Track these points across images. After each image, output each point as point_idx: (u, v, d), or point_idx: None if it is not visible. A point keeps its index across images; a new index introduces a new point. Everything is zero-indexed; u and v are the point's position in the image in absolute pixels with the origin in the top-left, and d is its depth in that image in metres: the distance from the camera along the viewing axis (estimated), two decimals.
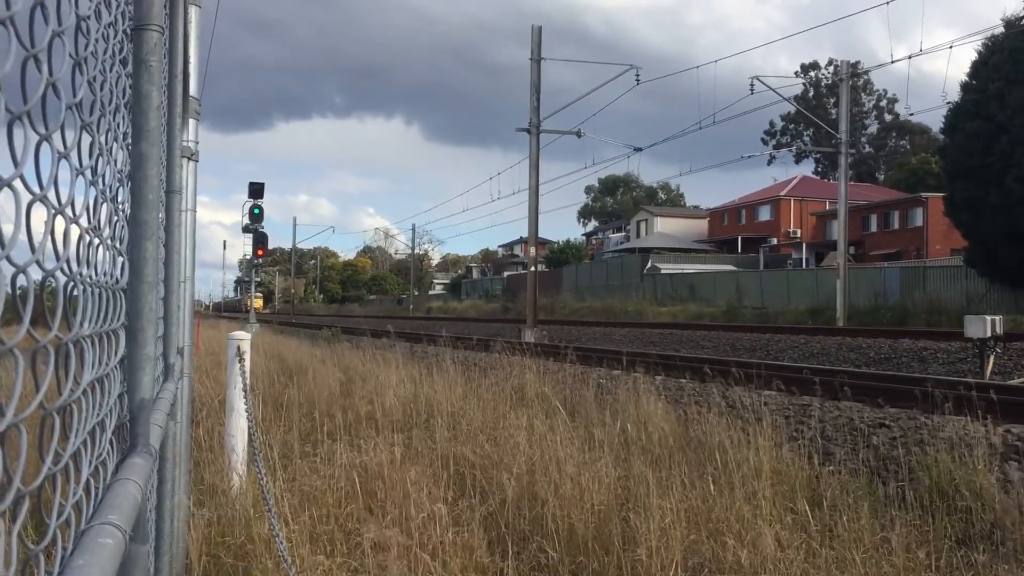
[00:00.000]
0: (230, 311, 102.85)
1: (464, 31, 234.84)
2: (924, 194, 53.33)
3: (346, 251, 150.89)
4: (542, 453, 6.37)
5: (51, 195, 1.18)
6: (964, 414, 7.67)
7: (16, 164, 1.00)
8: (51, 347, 1.20)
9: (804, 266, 55.00)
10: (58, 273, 1.26)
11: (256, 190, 29.19)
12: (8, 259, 0.95)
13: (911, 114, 38.88)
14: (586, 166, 47.26)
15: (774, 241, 66.71)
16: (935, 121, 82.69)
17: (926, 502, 5.73)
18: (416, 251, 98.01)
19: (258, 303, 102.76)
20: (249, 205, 29.28)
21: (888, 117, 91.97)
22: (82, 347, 1.45)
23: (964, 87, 31.15)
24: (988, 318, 14.51)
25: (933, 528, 5.31)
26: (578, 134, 32.56)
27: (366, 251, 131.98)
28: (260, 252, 32.46)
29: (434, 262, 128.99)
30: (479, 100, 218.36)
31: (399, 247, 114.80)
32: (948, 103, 31.64)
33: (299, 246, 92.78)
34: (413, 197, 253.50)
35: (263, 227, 30.24)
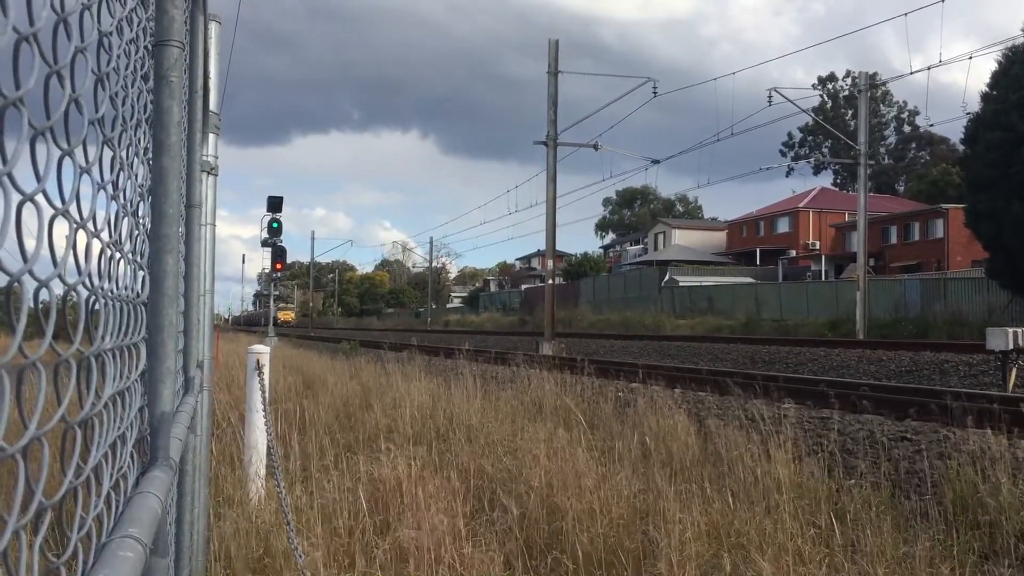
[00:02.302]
0: (250, 324, 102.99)
1: (479, 45, 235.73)
2: (944, 205, 52.90)
3: (364, 264, 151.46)
4: (561, 466, 6.34)
5: (73, 209, 1.19)
6: (987, 427, 7.58)
7: (39, 179, 1.01)
8: (73, 361, 1.20)
9: (823, 278, 54.66)
10: (80, 287, 1.27)
11: (275, 204, 29.39)
12: (31, 273, 0.96)
13: (931, 125, 38.66)
14: (603, 179, 47.13)
15: (793, 253, 66.38)
16: (955, 132, 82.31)
17: (949, 516, 5.66)
18: (433, 264, 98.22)
19: (289, 315, 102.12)
20: (268, 219, 29.50)
21: (907, 128, 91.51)
22: (103, 361, 1.45)
23: (984, 98, 30.85)
24: (1011, 330, 14.34)
25: (957, 543, 5.24)
26: (595, 147, 32.62)
27: (384, 264, 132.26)
28: (279, 266, 32.75)
29: (452, 275, 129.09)
30: (495, 113, 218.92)
31: (417, 260, 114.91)
32: (968, 114, 31.38)
33: (317, 260, 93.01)
34: (430, 210, 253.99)
35: (281, 241, 30.47)
